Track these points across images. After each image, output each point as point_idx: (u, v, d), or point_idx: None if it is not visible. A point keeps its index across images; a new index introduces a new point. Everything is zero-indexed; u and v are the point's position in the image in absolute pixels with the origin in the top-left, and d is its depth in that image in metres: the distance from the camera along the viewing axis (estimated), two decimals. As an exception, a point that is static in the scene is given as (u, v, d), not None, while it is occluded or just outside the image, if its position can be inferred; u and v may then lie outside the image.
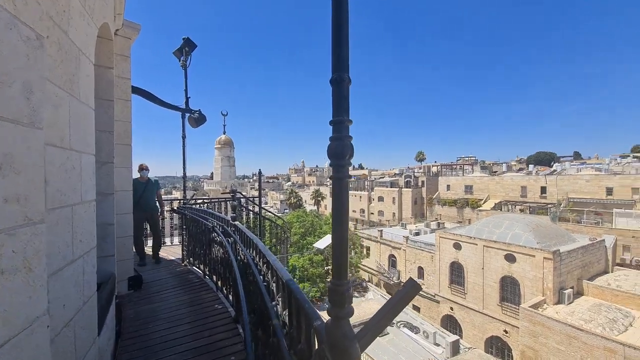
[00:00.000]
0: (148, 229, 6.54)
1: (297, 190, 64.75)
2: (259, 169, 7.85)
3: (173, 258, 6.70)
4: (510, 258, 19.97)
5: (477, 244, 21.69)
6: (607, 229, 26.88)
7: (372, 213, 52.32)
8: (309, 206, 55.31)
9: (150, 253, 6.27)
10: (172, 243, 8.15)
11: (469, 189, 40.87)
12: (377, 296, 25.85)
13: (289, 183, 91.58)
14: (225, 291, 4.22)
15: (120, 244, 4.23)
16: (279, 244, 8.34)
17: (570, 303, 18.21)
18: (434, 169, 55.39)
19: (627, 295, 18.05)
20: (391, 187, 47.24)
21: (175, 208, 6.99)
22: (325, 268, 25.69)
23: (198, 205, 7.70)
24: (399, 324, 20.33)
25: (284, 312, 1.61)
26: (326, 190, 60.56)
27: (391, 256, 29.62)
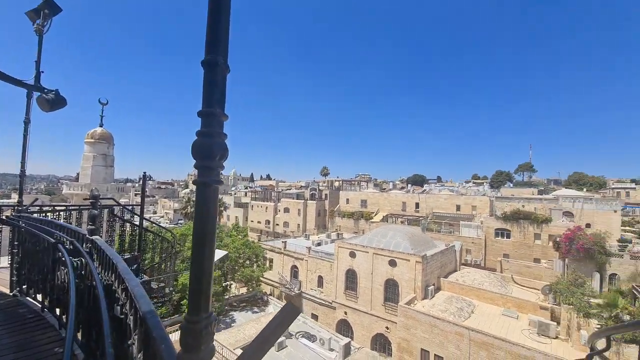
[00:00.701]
0: None
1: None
2: (144, 172, 6.61)
3: (-7, 287, 4.80)
4: (392, 263, 23.21)
5: (368, 252, 24.36)
6: (457, 237, 34.81)
7: (278, 224, 52.25)
8: (210, 216, 50.81)
9: None
10: (-6, 266, 5.86)
11: (364, 202, 46.04)
12: (277, 309, 25.52)
13: (187, 190, 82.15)
14: (72, 328, 3.20)
15: None
16: (165, 261, 7.14)
17: (432, 297, 22.40)
18: (337, 184, 60.24)
19: (469, 288, 23.58)
20: (297, 199, 48.52)
21: (4, 217, 5.07)
22: (223, 284, 23.77)
23: (43, 215, 5.82)
24: (297, 335, 20.48)
25: (139, 355, 1.23)
26: (230, 200, 57.24)
27: (294, 267, 29.99)
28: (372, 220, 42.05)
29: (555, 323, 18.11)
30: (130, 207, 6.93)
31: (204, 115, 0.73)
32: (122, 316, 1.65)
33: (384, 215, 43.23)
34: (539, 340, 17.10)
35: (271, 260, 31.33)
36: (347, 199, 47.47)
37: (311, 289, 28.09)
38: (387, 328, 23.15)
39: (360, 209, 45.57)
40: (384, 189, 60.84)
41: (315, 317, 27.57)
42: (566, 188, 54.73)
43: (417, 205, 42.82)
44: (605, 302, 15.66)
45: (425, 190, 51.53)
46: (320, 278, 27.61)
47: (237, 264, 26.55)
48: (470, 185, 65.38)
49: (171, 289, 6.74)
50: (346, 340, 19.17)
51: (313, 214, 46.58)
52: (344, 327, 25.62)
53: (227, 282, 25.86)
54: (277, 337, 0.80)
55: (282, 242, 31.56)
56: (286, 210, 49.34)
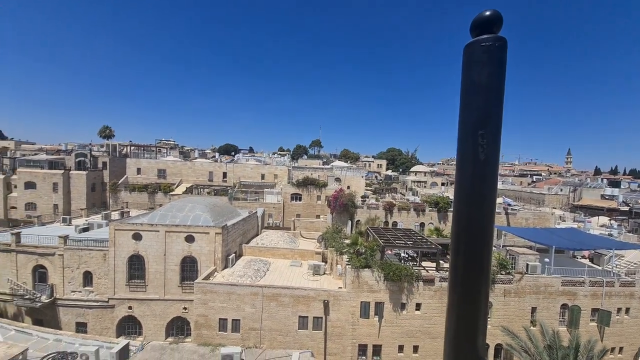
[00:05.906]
0: None
1: None
2: None
3: None
4: (190, 239, 20.94)
5: (159, 231, 20.55)
6: (261, 203, 37.28)
7: (15, 207, 34.45)
8: None
9: None
10: None
11: (162, 172, 39.12)
12: (9, 333, 16.75)
13: None
14: None
15: None
16: None
17: (233, 265, 22.55)
18: (125, 150, 47.30)
19: (266, 249, 25.71)
20: (51, 169, 33.52)
21: None
22: None
23: None
24: (39, 363, 14.21)
25: None
26: None
27: (38, 267, 20.63)
28: (173, 192, 36.70)
29: (324, 263, 23.31)
30: None
31: None
32: None
33: (188, 186, 38.92)
34: (313, 279, 21.34)
35: (-13, 266, 19.89)
36: (139, 169, 38.46)
37: (73, 292, 20.59)
38: (185, 309, 21.14)
39: (158, 181, 38.47)
40: (190, 157, 54.87)
41: (83, 326, 20.82)
42: (339, 160, 72.83)
43: (224, 174, 41.71)
44: (351, 241, 21.66)
45: (233, 160, 51.22)
46: (87, 274, 20.64)
47: None
48: (276, 157, 72.44)
49: None
50: (123, 342, 15.42)
51: (83, 188, 34.14)
52: (128, 325, 21.00)
53: None
54: None
55: (13, 234, 20.59)
56: (30, 185, 33.08)
